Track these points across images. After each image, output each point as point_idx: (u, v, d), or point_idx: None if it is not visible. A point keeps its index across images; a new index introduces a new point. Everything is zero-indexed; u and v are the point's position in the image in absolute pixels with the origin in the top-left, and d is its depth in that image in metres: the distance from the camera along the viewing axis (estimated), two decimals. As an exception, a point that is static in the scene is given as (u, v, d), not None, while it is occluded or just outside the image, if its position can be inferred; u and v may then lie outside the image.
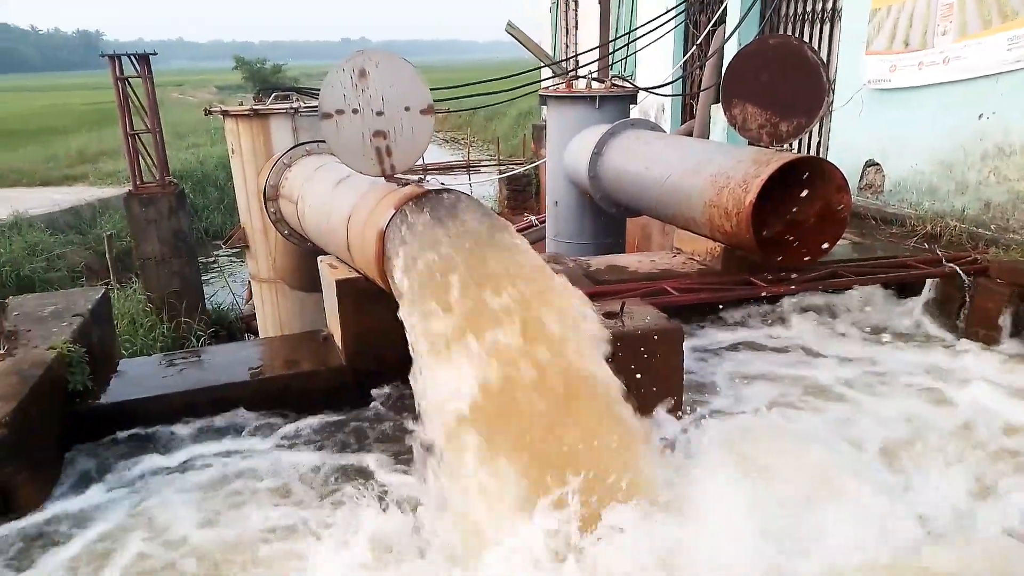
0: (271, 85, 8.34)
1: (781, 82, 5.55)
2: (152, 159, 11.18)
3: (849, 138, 8.20)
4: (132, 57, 10.96)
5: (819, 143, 9.20)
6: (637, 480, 3.21)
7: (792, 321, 5.69)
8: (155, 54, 11.17)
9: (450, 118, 36.03)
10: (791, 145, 5.76)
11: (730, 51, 9.32)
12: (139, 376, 4.83)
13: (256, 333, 10.00)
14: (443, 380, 3.30)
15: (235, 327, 11.46)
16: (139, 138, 11.09)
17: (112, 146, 24.65)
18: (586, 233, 8.50)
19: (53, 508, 3.63)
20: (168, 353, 6.01)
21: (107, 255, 12.15)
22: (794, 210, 5.58)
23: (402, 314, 3.60)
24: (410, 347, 3.53)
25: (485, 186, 21.01)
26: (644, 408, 3.65)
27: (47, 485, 3.76)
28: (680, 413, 4.27)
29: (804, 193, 5.43)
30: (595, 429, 3.28)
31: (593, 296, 4.97)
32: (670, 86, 11.03)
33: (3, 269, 12.47)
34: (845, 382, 4.89)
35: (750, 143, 5.96)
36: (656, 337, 4.18)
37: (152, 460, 4.10)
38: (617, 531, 3.00)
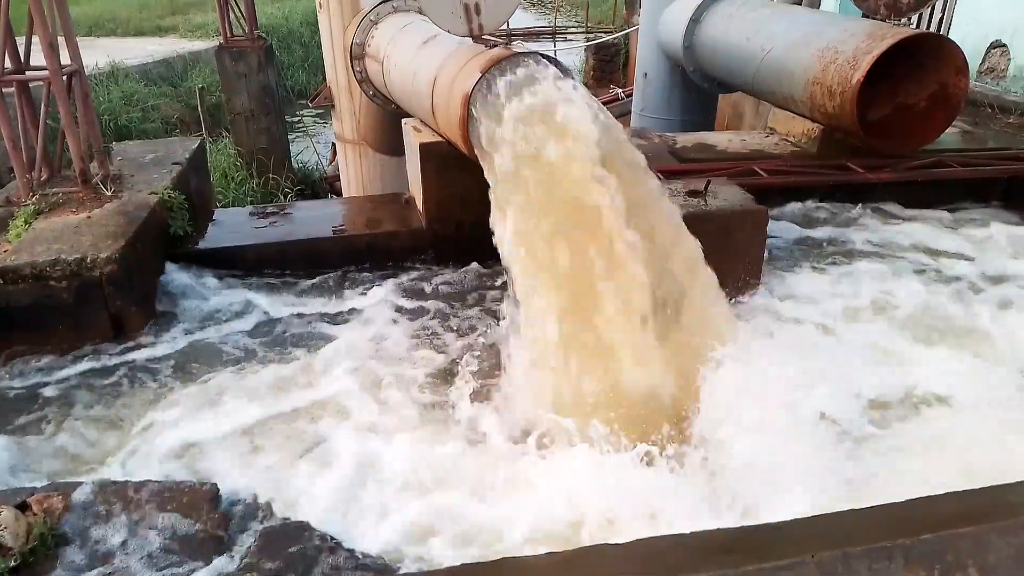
0: (359, -63, 8.01)
1: (909, -54, 5.02)
2: (241, 11, 11.15)
3: (976, 14, 7.44)
4: (219, -97, 10.70)
5: (941, 19, 8.38)
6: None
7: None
8: (241, -100, 10.85)
9: (538, -21, 34.17)
10: (910, 19, 5.29)
11: (854, -91, 8.39)
12: (233, 225, 5.09)
13: (339, 193, 10.24)
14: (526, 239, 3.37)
15: (319, 187, 11.74)
16: (228, -11, 11.02)
17: (201, -3, 24.63)
18: (674, 109, 8.16)
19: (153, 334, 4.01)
20: (259, 206, 6.25)
21: (199, 108, 12.45)
22: (903, 91, 5.21)
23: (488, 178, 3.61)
24: (492, 207, 3.56)
25: (571, 55, 20.18)
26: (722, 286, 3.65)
27: (150, 317, 4.10)
28: (755, 293, 4.26)
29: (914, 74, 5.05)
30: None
31: (678, 174, 4.87)
32: (781, -51, 10.10)
33: (102, 118, 12.98)
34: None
35: (865, 15, 5.49)
36: (740, 218, 4.09)
37: (242, 295, 4.45)
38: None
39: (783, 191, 5.23)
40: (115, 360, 3.75)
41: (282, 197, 10.48)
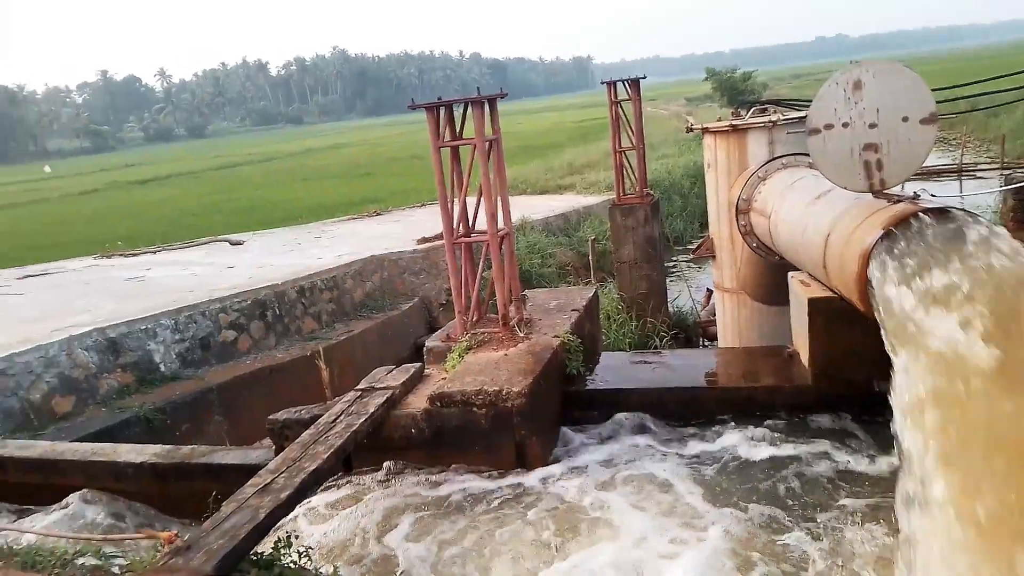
0: (749, 101, 8.46)
1: None
2: (634, 172, 12.34)
3: None
4: (625, 82, 12.25)
5: None
6: None
7: None
8: (644, 78, 12.27)
9: (939, 116, 31.44)
10: None
11: None
12: (615, 367, 5.49)
13: (711, 338, 10.31)
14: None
15: (692, 331, 11.97)
16: (624, 154, 12.35)
17: (594, 159, 27.88)
18: None
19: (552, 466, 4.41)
20: (638, 351, 6.67)
21: (590, 257, 13.83)
22: None
23: (889, 348, 3.34)
24: (893, 380, 3.26)
25: (980, 195, 17.91)
26: None
27: (548, 447, 4.54)
28: None
29: None
30: None
31: None
32: None
33: (511, 264, 15.14)
34: None
35: None
36: None
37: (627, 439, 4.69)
38: None
39: None
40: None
41: (657, 340, 10.91)
